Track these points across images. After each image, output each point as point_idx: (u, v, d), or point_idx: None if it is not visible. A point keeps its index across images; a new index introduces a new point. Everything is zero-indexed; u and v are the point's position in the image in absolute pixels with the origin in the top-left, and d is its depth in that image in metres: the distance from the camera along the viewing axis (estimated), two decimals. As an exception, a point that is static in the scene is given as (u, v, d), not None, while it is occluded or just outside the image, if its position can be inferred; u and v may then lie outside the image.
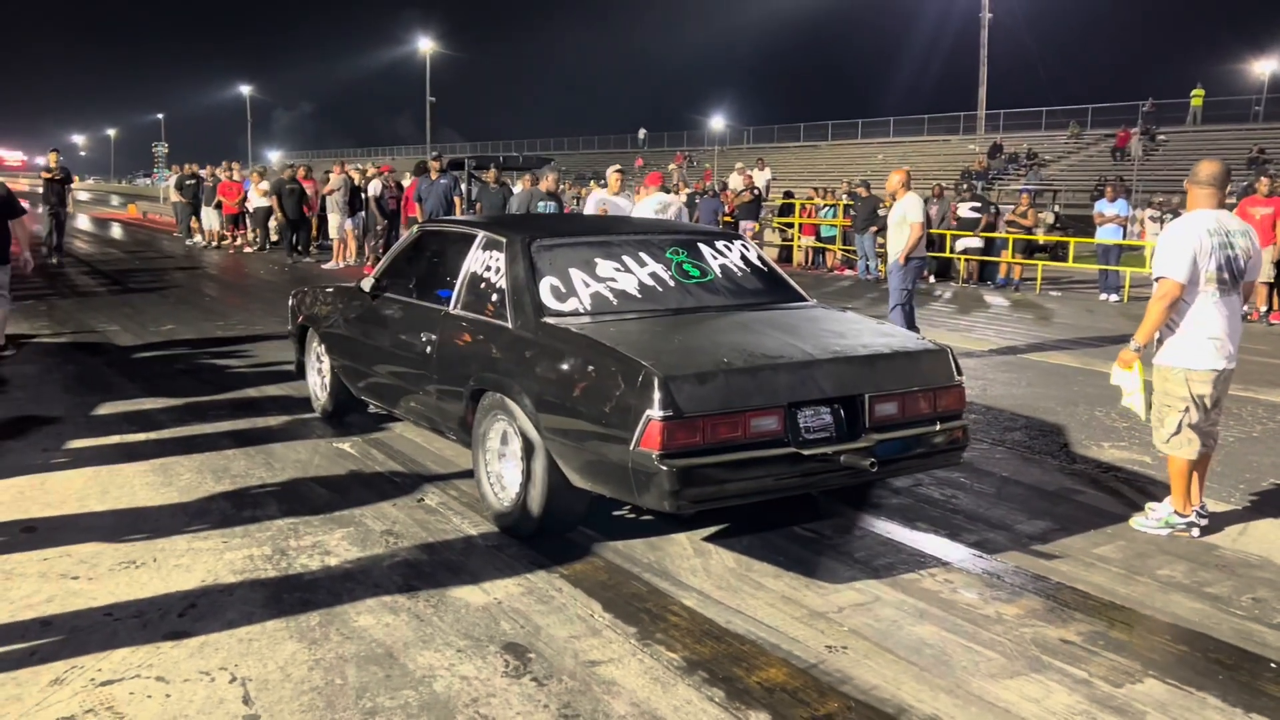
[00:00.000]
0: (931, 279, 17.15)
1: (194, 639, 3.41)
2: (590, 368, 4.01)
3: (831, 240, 19.03)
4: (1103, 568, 4.22)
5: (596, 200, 10.19)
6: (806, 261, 19.50)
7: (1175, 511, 4.61)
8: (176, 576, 3.95)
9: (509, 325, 4.51)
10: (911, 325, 8.51)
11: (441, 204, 14.83)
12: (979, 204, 17.46)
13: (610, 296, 4.59)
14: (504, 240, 4.84)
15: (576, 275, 4.63)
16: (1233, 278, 4.48)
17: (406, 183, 17.11)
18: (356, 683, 3.13)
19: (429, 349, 4.98)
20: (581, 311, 4.47)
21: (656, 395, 3.66)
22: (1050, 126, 41.22)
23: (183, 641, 3.39)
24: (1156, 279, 4.49)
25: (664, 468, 3.64)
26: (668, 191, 17.60)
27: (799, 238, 19.73)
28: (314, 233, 20.08)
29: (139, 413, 6.63)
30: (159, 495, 4.95)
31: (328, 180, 18.12)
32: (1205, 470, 4.72)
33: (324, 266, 17.09)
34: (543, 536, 4.34)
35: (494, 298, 4.70)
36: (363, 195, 17.22)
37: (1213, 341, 4.50)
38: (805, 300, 5.11)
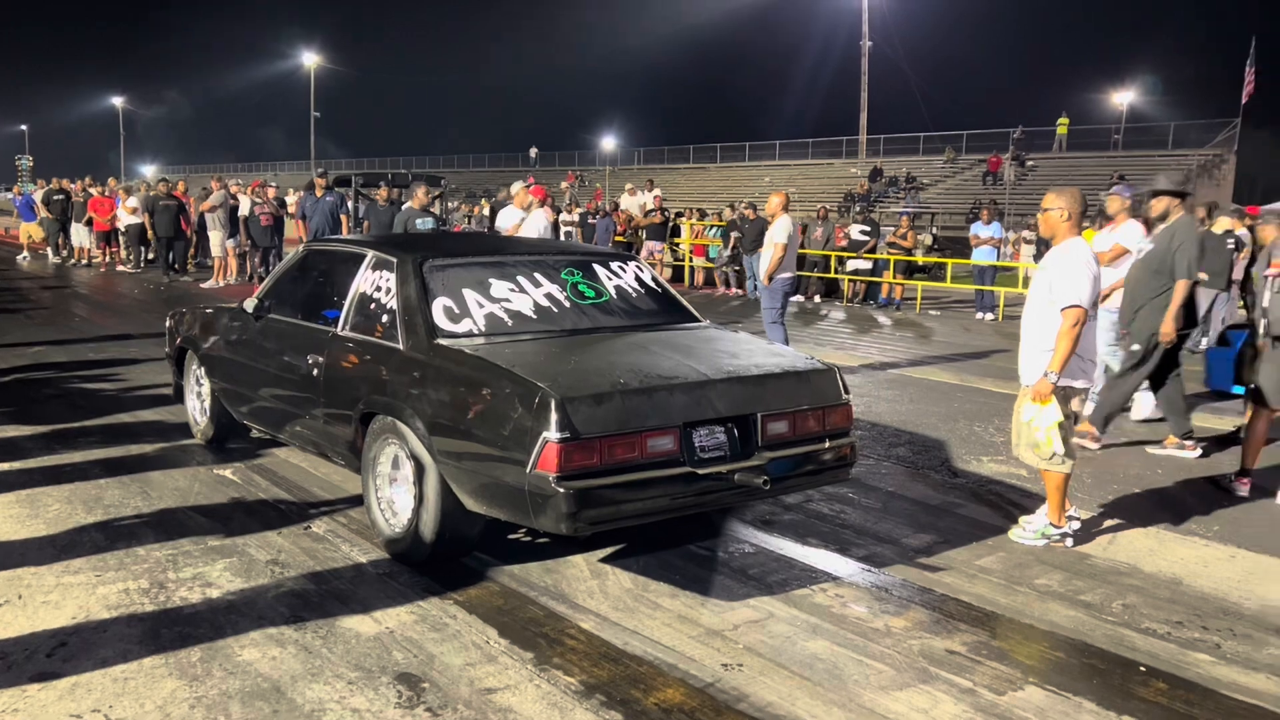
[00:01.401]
0: (818, 299, 17.59)
1: (64, 680, 3.23)
2: (485, 390, 3.97)
3: (721, 261, 19.30)
4: (984, 579, 4.38)
5: (509, 216, 10.18)
6: (700, 282, 19.74)
7: (1051, 523, 4.81)
8: (44, 614, 3.73)
9: (400, 347, 4.43)
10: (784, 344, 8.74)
11: (327, 222, 14.50)
12: (868, 227, 18.01)
13: (505, 317, 4.55)
14: (395, 260, 4.75)
15: (470, 296, 4.57)
16: (1094, 302, 4.74)
17: (291, 199, 16.68)
18: (241, 720, 3.02)
19: (316, 372, 4.85)
20: (475, 332, 4.42)
21: (553, 417, 3.64)
22: (927, 151, 42.80)
23: (52, 683, 3.21)
24: (1066, 308, 4.60)
25: (561, 490, 3.62)
26: (558, 211, 17.56)
27: (690, 258, 19.96)
28: (193, 251, 19.36)
29: (3, 440, 6.26)
30: (24, 528, 4.68)
31: (207, 196, 17.51)
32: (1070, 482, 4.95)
33: (202, 286, 16.49)
34: (436, 562, 4.26)
35: (384, 319, 4.61)
36: (241, 214, 16.70)
37: (1087, 362, 4.76)
38: (699, 321, 5.16)
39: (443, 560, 4.28)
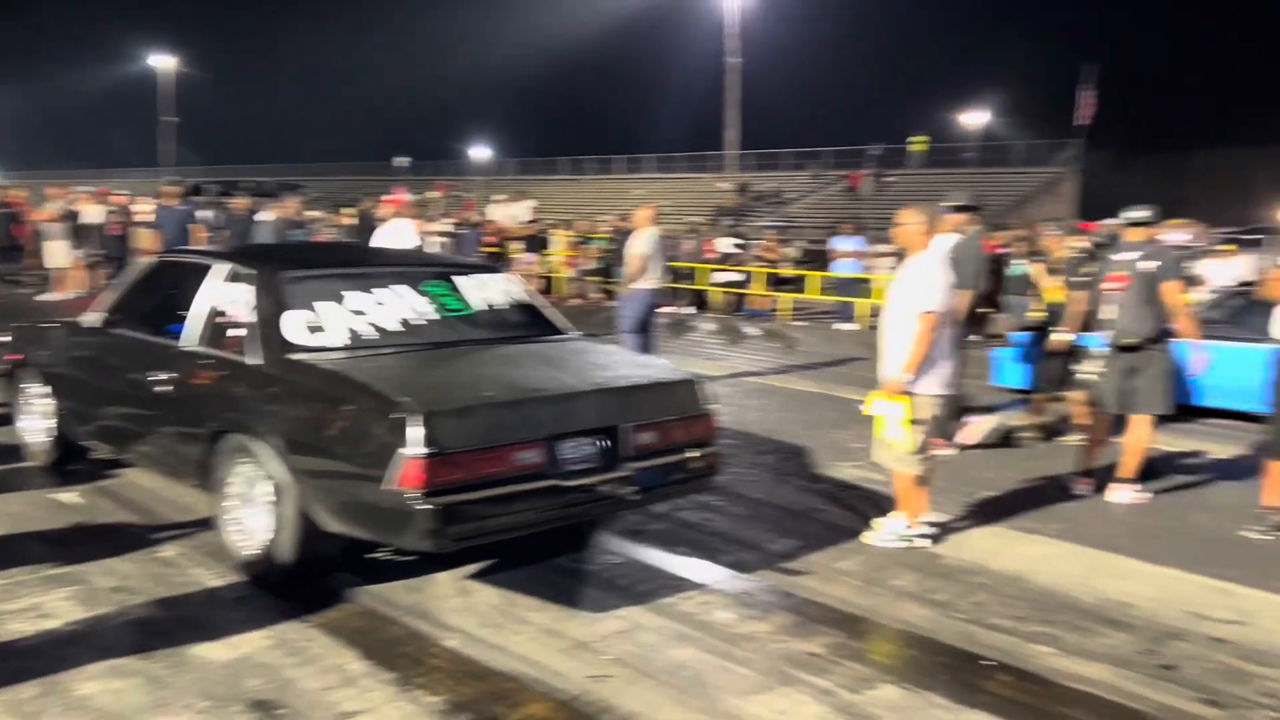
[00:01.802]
0: (689, 310, 17.83)
1: (-125, 727, 2.98)
2: (343, 405, 3.87)
3: (593, 272, 19.37)
4: (844, 581, 4.51)
5: (389, 229, 9.92)
6: (570, 292, 19.73)
7: (906, 525, 5.00)
8: None
9: (254, 362, 4.27)
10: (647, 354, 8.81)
11: (180, 232, 13.88)
12: (740, 241, 18.43)
13: (364, 331, 4.43)
14: (249, 272, 4.59)
15: (328, 308, 4.43)
16: (947, 310, 4.97)
17: (142, 209, 15.89)
18: (78, 759, 2.85)
19: (164, 388, 4.64)
20: (333, 346, 4.29)
21: (415, 432, 3.57)
22: (793, 167, 43.99)
23: None
24: (923, 313, 4.81)
25: (425, 506, 3.56)
26: (429, 221, 17.27)
27: (564, 270, 19.95)
28: (28, 261, 18.20)
29: None
30: None
31: (45, 204, 16.52)
32: (929, 485, 5.17)
33: (39, 299, 15.53)
34: (294, 584, 4.12)
35: (238, 332, 4.44)
36: (84, 223, 15.81)
37: (943, 367, 4.97)
38: (566, 333, 5.16)
39: (301, 582, 4.14)
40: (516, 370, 4.29)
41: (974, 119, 48.57)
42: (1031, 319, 7.63)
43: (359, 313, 4.49)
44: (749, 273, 17.66)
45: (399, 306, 4.62)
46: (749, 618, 4.06)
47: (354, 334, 4.39)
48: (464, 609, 4.05)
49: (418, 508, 3.56)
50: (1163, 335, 5.77)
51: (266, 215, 11.54)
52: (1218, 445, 7.35)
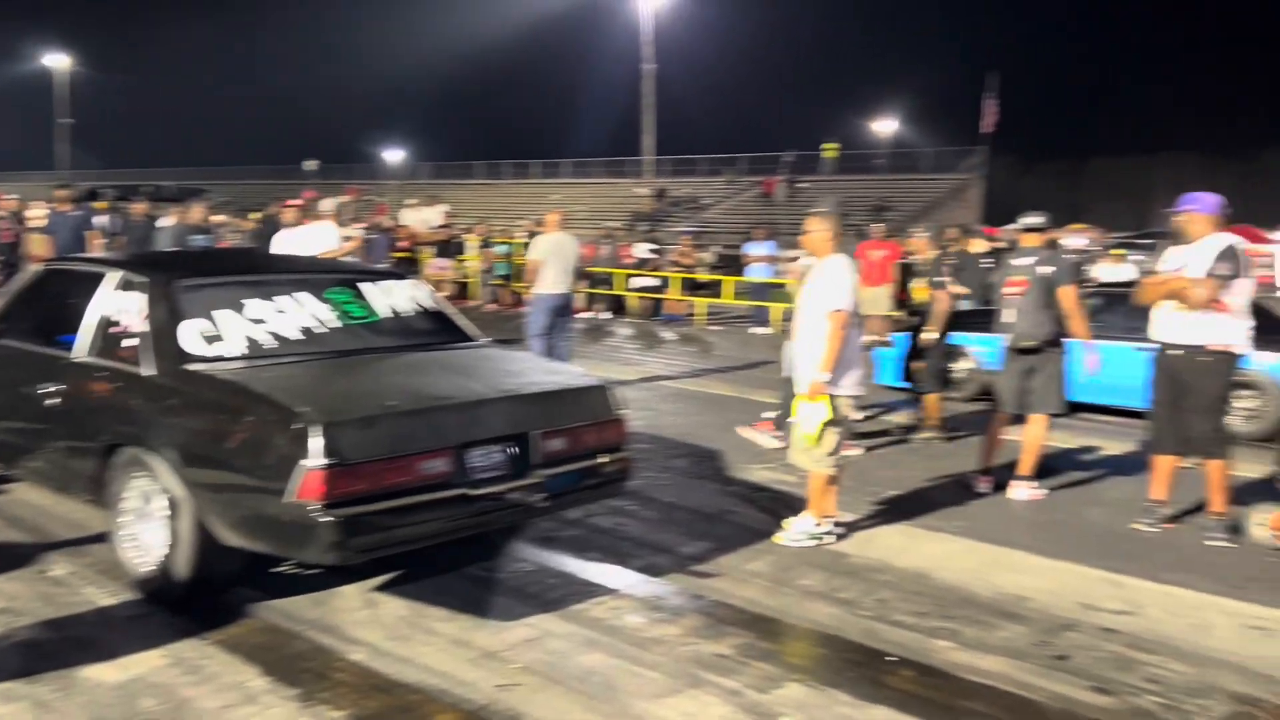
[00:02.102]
0: (606, 315, 17.86)
1: None
2: (241, 416, 3.78)
3: (508, 277, 19.27)
4: (754, 582, 4.57)
5: (284, 235, 9.69)
6: (485, 299, 19.58)
7: (816, 524, 5.09)
8: None
9: (148, 373, 4.14)
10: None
11: (74, 239, 13.36)
12: (656, 246, 18.52)
13: (264, 340, 4.32)
14: (142, 280, 4.45)
15: (226, 318, 4.31)
16: (856, 309, 5.08)
17: (34, 214, 15.26)
18: (-44, 791, 2.72)
19: (55, 400, 4.46)
20: (231, 356, 4.18)
21: (315, 443, 3.50)
22: (709, 173, 44.37)
23: None
24: (832, 312, 4.91)
25: (326, 519, 3.49)
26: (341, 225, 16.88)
27: (478, 275, 19.78)
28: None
29: None
30: None
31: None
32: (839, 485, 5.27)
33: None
34: (193, 601, 4.00)
35: (131, 343, 4.30)
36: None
37: (856, 368, 5.09)
38: (476, 340, 5.11)
39: (201, 598, 4.03)
40: (422, 378, 4.24)
41: (885, 126, 49.76)
42: (904, 320, 7.98)
43: (258, 321, 4.38)
44: (665, 278, 17.76)
45: (301, 314, 4.52)
46: (659, 621, 4.08)
47: (253, 343, 4.28)
48: (370, 621, 3.98)
49: (320, 520, 3.49)
50: (1059, 337, 5.99)
51: (167, 221, 11.16)
52: (1110, 442, 7.66)
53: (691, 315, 17.68)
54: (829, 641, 3.97)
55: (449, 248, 19.29)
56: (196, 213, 9.94)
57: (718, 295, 19.06)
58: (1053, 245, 6.42)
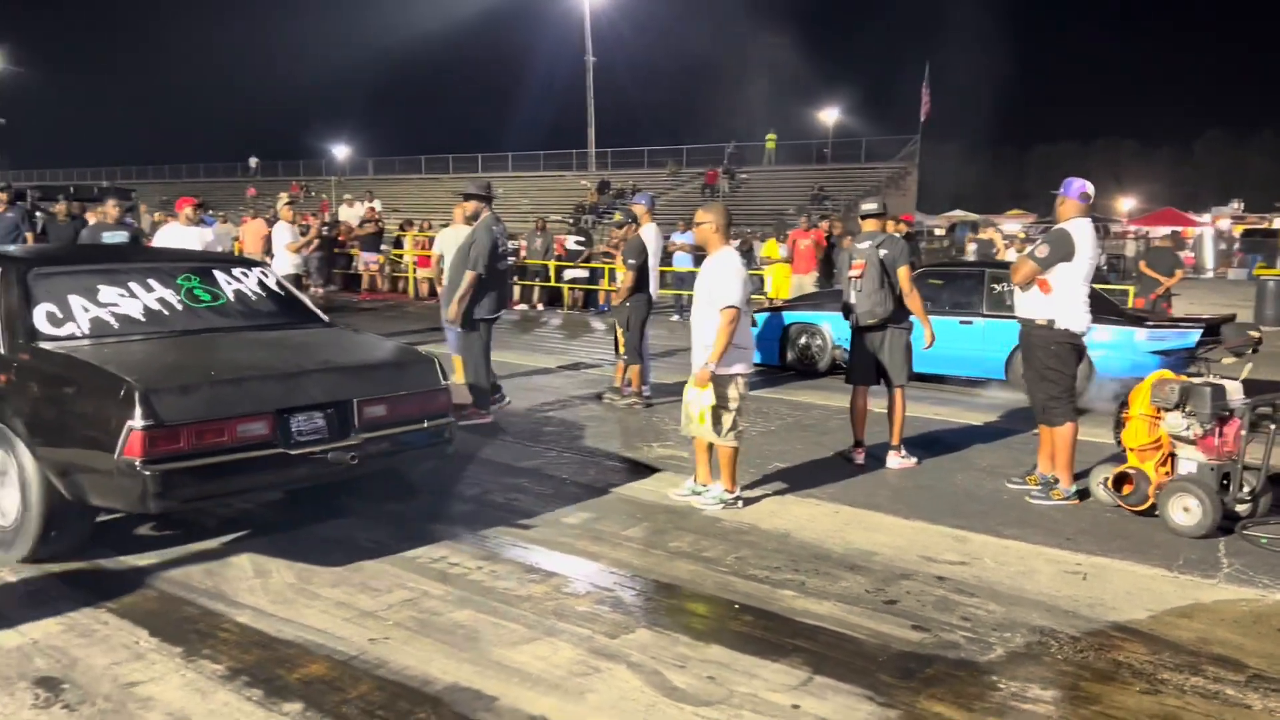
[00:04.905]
0: (540, 306, 18.16)
1: None
2: (79, 386, 4.29)
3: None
4: (628, 545, 4.93)
5: (167, 232, 9.84)
6: (425, 292, 19.76)
7: (725, 490, 5.51)
8: None
9: (2, 351, 4.60)
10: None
11: (9, 238, 13.38)
12: (582, 238, 18.81)
13: (112, 321, 4.82)
14: (1, 268, 4.88)
15: (77, 301, 4.81)
16: (746, 300, 5.46)
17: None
18: None
19: None
20: (79, 335, 4.67)
21: (137, 408, 3.99)
22: (651, 165, 44.73)
23: None
24: (724, 308, 5.27)
25: (146, 473, 3.97)
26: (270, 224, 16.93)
27: (413, 269, 19.97)
28: None
29: None
30: None
31: None
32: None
33: None
34: (48, 558, 4.45)
35: None
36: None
37: (745, 350, 5.49)
38: (320, 322, 5.61)
39: (57, 556, 4.47)
40: (252, 353, 4.79)
41: (829, 115, 50.46)
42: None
43: (108, 305, 4.87)
44: (597, 269, 18.08)
45: (149, 298, 5.03)
46: (530, 581, 4.43)
47: (101, 324, 4.79)
48: (259, 589, 4.29)
49: (140, 474, 3.97)
50: (899, 315, 6.44)
51: (96, 221, 11.26)
52: (977, 414, 8.19)
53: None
54: (683, 594, 4.35)
55: (376, 240, 19.48)
56: (112, 211, 10.19)
57: (651, 285, 19.35)
58: (885, 231, 6.77)
